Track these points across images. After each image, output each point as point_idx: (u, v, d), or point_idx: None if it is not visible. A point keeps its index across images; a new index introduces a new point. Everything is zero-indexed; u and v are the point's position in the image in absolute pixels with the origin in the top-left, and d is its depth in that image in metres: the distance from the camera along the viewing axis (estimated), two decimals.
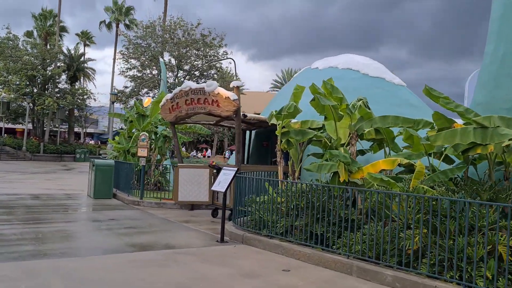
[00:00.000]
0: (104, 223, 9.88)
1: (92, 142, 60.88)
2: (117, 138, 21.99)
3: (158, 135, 18.90)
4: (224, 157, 53.32)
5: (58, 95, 41.86)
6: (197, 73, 31.78)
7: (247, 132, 13.82)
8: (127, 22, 56.16)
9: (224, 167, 8.84)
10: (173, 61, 32.06)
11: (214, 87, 9.93)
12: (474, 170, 7.75)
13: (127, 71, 32.22)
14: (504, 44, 8.28)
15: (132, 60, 32.04)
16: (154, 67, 31.98)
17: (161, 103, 12.70)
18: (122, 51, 32.28)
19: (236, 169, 8.37)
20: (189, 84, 11.13)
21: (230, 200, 10.78)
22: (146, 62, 31.34)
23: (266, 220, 8.29)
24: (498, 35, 8.48)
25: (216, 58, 30.92)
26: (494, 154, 7.15)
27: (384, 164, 7.30)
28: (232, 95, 9.96)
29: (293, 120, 9.60)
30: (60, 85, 44.50)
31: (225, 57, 30.55)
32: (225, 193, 8.43)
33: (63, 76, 45.67)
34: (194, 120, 13.18)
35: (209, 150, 54.03)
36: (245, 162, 13.77)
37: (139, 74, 32.01)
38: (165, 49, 31.45)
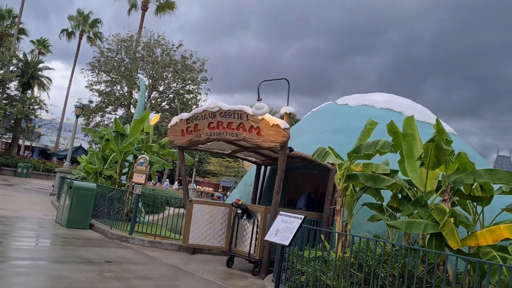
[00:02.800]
0: (104, 267, 7.62)
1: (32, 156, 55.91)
2: (84, 156, 19.47)
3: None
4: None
5: (6, 101, 37.90)
6: (171, 95, 29.71)
7: (262, 168, 12.05)
8: (91, 35, 53.31)
9: (281, 212, 7.00)
10: (145, 79, 29.87)
11: (264, 111, 8.17)
12: None
13: (96, 85, 29.54)
14: None
15: (102, 73, 29.47)
16: (124, 84, 29.57)
17: (171, 123, 10.71)
18: (92, 62, 29.68)
19: (303, 217, 6.58)
20: (219, 104, 9.30)
21: (257, 250, 8.88)
22: (119, 78, 28.88)
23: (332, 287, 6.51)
24: None
25: (195, 82, 29.12)
26: None
27: (507, 231, 5.81)
28: (282, 123, 8.24)
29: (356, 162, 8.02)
30: (8, 91, 40.48)
31: (205, 82, 28.86)
32: (284, 247, 6.57)
33: (15, 82, 41.68)
34: (207, 147, 11.24)
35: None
36: (256, 202, 11.94)
37: (107, 90, 29.41)
38: (140, 66, 29.25)
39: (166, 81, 29.35)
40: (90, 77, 29.96)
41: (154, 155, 17.05)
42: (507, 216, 7.00)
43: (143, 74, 29.30)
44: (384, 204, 8.36)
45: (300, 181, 12.44)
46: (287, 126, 8.23)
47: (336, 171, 10.08)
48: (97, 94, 29.69)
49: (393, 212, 8.22)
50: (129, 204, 14.87)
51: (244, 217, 9.15)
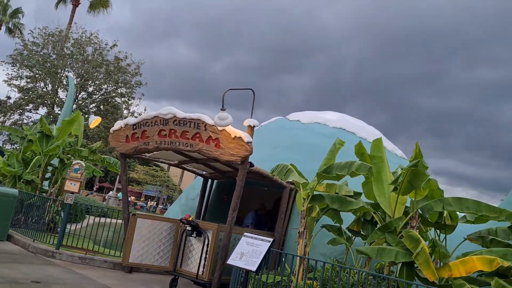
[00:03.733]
0: None
1: None
2: None
3: (64, 164, 15.34)
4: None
5: None
6: (101, 97, 27.95)
7: (208, 181, 11.37)
8: (11, 26, 49.26)
9: (245, 233, 6.42)
10: (74, 78, 27.90)
11: (227, 122, 7.57)
12: None
13: (16, 79, 26.98)
14: None
15: (24, 68, 27.00)
16: (49, 81, 27.36)
17: (114, 128, 9.74)
18: (13, 55, 27.09)
19: (271, 239, 6.06)
20: (173, 110, 8.56)
21: (207, 271, 8.20)
22: (42, 74, 26.62)
23: None
24: None
25: (128, 86, 27.63)
26: None
27: (480, 263, 5.69)
28: (246, 135, 7.68)
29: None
30: None
31: (139, 86, 27.50)
32: (249, 273, 5.99)
33: None
34: (153, 156, 10.37)
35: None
36: (201, 218, 11.22)
37: (29, 86, 27.00)
38: (68, 64, 27.25)
39: (96, 82, 27.60)
40: (10, 70, 27.40)
41: (83, 160, 15.73)
42: (468, 245, 6.99)
43: (71, 73, 27.34)
44: (343, 226, 8.13)
45: (246, 197, 11.89)
46: (251, 139, 7.70)
47: (291, 190, 9.77)
48: (16, 90, 27.16)
49: (352, 235, 8.00)
50: (51, 213, 13.47)
51: (194, 235, 8.43)
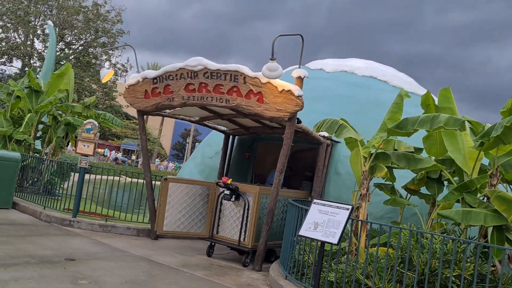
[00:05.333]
0: (70, 270, 5.73)
1: None
2: None
3: (58, 122, 14.20)
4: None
5: None
6: (81, 47, 26.01)
7: (230, 137, 10.51)
8: None
9: (315, 200, 5.69)
10: (47, 27, 25.79)
11: (278, 73, 6.65)
12: None
13: None
14: None
15: None
16: (21, 31, 25.20)
17: (130, 82, 8.67)
18: None
19: (350, 207, 5.36)
20: (203, 61, 7.54)
21: (249, 238, 7.54)
22: (15, 23, 24.40)
23: None
24: None
25: (110, 34, 25.71)
26: None
27: None
28: (296, 89, 6.82)
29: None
30: None
31: (121, 35, 25.63)
32: (324, 245, 5.32)
33: None
34: (173, 113, 9.38)
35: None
36: (224, 175, 10.44)
37: (0, 36, 24.82)
38: (42, 11, 25.04)
39: (75, 31, 25.56)
40: None
41: (76, 116, 14.59)
42: None
43: (50, 21, 25.21)
44: (395, 185, 7.53)
45: (263, 153, 11.10)
46: (301, 93, 6.86)
47: (327, 145, 9.06)
48: None
49: (409, 194, 7.43)
50: (47, 175, 12.45)
51: (233, 199, 7.69)
